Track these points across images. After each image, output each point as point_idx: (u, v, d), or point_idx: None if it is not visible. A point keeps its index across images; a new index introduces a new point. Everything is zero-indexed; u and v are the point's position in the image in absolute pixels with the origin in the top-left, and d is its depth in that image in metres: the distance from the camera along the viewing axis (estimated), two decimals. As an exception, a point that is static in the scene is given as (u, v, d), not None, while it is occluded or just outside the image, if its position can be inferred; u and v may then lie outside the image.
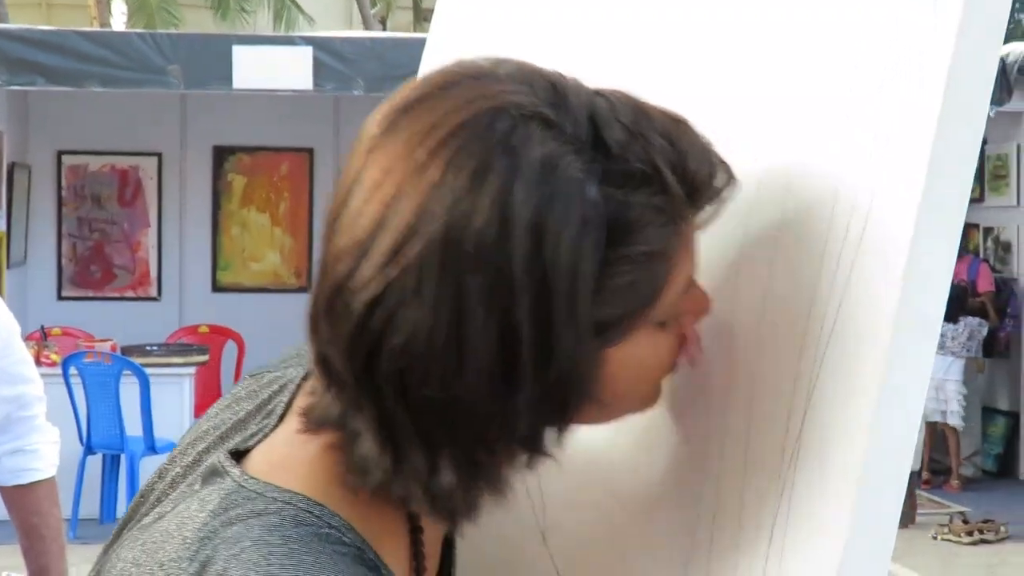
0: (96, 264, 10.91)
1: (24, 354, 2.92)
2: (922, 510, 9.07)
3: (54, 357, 8.35)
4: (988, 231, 10.79)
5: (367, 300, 0.92)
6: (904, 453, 0.96)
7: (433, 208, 0.90)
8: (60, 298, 10.75)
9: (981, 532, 8.62)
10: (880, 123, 0.99)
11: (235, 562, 0.93)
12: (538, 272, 0.91)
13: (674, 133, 0.97)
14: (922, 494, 9.51)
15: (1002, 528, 8.68)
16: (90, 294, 10.82)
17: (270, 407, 1.09)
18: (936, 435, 9.97)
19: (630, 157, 0.94)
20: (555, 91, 0.96)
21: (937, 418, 9.76)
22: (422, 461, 0.95)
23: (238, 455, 1.05)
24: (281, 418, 1.07)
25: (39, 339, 8.65)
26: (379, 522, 1.00)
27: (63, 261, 10.84)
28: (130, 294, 10.92)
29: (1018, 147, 10.39)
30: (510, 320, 0.91)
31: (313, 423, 1.00)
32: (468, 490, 0.97)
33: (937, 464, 9.96)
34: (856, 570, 0.95)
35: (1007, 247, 10.73)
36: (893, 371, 0.95)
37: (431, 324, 0.91)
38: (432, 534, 1.07)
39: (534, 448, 0.97)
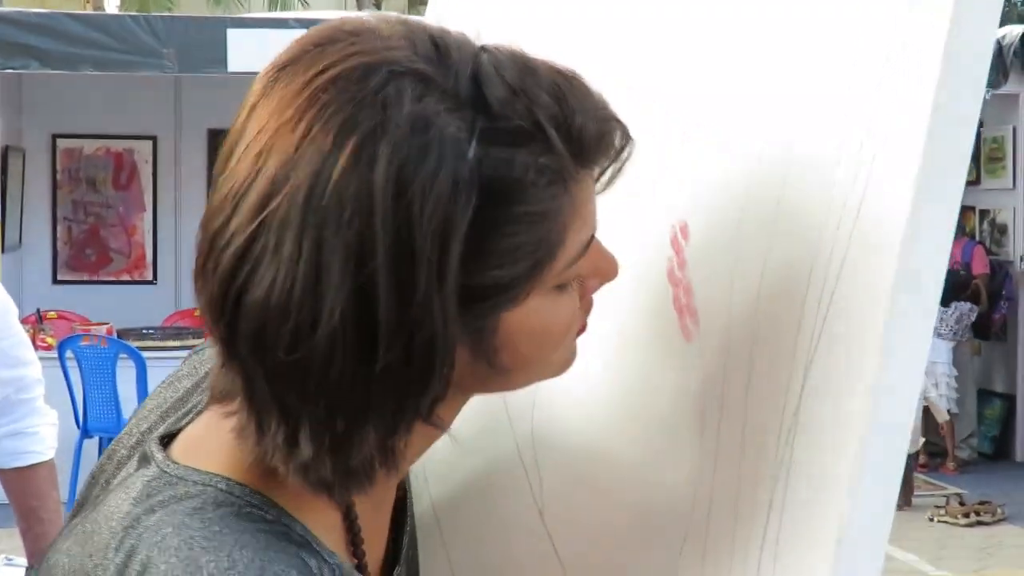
0: (91, 248, 10.90)
1: (22, 336, 2.92)
2: (919, 492, 9.09)
3: (50, 341, 8.35)
4: (984, 213, 10.80)
5: (232, 253, 0.90)
6: (901, 432, 0.97)
7: (297, 163, 0.89)
8: (55, 282, 10.74)
9: (978, 514, 8.64)
10: (877, 109, 0.99)
11: (157, 550, 0.93)
12: (400, 232, 0.88)
13: (562, 90, 0.94)
14: (919, 476, 9.53)
15: (999, 510, 8.71)
16: (85, 278, 10.81)
17: (204, 384, 1.09)
18: (932, 417, 10.00)
19: (511, 114, 0.92)
20: (436, 47, 0.93)
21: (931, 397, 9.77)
22: (281, 431, 0.93)
23: (169, 438, 1.05)
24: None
25: (35, 323, 8.65)
26: (308, 500, 0.98)
27: (58, 245, 10.83)
28: (126, 277, 10.91)
29: (1014, 130, 10.39)
30: (368, 281, 0.88)
31: (216, 397, 0.99)
32: (337, 462, 0.94)
33: (934, 446, 9.98)
34: (853, 553, 0.96)
35: (1003, 230, 10.74)
36: (890, 353, 0.95)
37: (286, 281, 0.88)
38: (376, 514, 1.07)
39: (403, 419, 0.94)
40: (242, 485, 0.98)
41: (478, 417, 1.28)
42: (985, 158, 10.56)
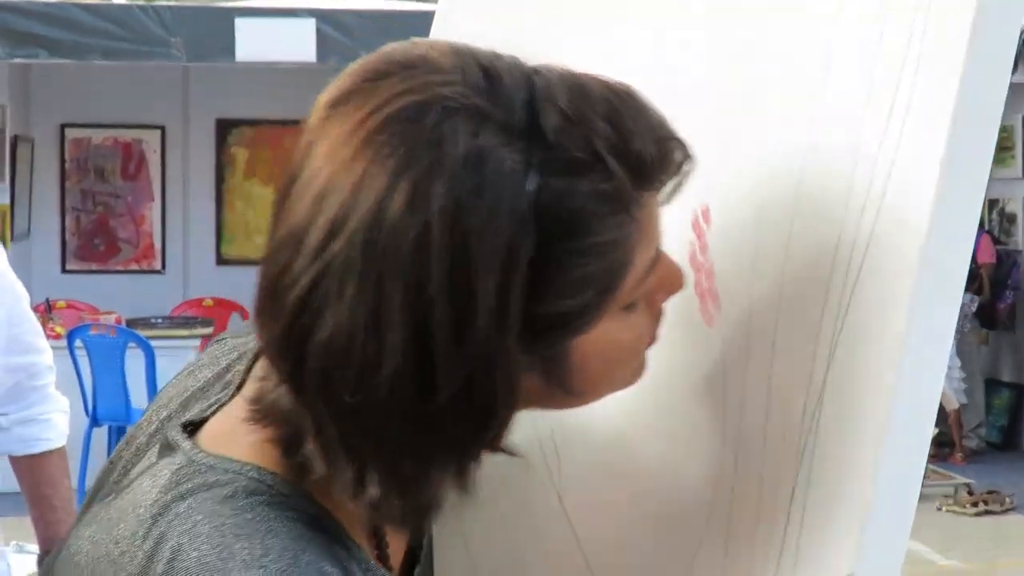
0: (100, 237, 10.91)
1: (34, 323, 2.92)
2: (927, 482, 9.07)
3: (59, 330, 8.36)
4: (993, 203, 10.77)
5: (297, 297, 0.90)
6: (927, 414, 0.96)
7: (355, 206, 0.88)
8: (64, 271, 10.75)
9: (986, 503, 8.63)
10: (901, 88, 0.98)
11: (188, 537, 0.93)
12: (457, 272, 0.88)
13: (618, 112, 0.93)
14: (927, 466, 9.50)
15: (1007, 499, 8.70)
16: (94, 267, 10.82)
17: (228, 376, 1.09)
18: (939, 407, 9.97)
19: (568, 145, 0.91)
20: (487, 76, 0.92)
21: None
22: (350, 474, 0.93)
23: (194, 427, 1.04)
24: (239, 388, 1.06)
25: (44, 312, 8.66)
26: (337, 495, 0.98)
27: (67, 234, 10.83)
28: (134, 267, 10.91)
29: (1023, 119, 10.36)
30: (426, 321, 0.88)
31: (261, 413, 0.98)
32: (406, 502, 0.94)
33: (942, 436, 9.96)
34: (878, 536, 0.95)
35: (1012, 219, 10.71)
36: (913, 334, 0.95)
37: (349, 325, 0.88)
38: None
39: (470, 454, 0.94)
40: (273, 474, 0.98)
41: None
42: (995, 147, 10.51)
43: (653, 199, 0.97)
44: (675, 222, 1.14)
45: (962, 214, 0.96)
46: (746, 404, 1.05)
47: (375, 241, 0.88)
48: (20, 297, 2.87)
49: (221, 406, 1.05)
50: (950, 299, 0.96)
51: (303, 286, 0.90)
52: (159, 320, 9.24)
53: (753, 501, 1.03)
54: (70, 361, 7.92)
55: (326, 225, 0.89)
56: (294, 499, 0.97)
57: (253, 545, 0.92)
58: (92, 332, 8.31)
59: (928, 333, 0.95)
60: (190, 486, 0.97)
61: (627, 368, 1.03)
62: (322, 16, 8.48)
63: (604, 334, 0.96)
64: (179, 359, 8.42)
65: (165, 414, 1.10)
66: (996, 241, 10.60)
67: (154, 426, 1.10)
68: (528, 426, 1.25)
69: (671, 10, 1.19)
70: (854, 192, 1.00)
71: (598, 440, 1.18)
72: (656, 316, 1.03)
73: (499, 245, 0.88)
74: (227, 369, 1.10)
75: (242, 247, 10.98)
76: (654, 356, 1.15)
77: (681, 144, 0.97)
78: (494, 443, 0.95)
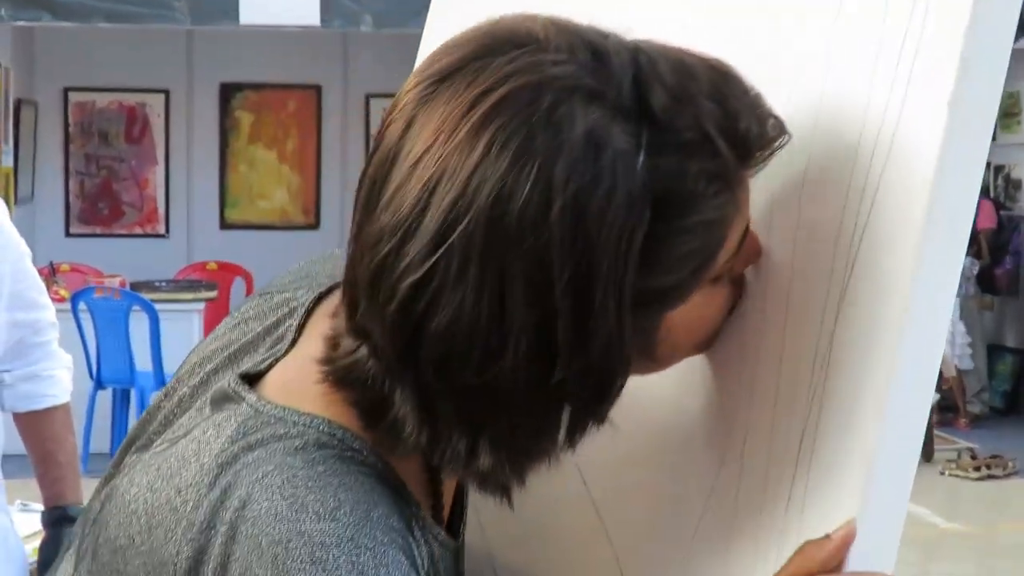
0: (104, 201, 10.91)
1: (37, 280, 2.91)
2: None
3: (63, 293, 8.36)
4: (999, 169, 10.75)
5: (411, 283, 0.90)
6: (931, 359, 0.96)
7: (475, 190, 0.89)
8: (68, 235, 10.76)
9: (989, 468, 8.65)
10: (907, 40, 0.98)
11: (258, 487, 0.93)
12: (580, 254, 0.89)
13: (721, 91, 0.94)
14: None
15: (1010, 463, 8.71)
16: (98, 231, 10.83)
17: (280, 331, 1.08)
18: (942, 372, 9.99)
19: (679, 125, 0.92)
20: (596, 56, 0.92)
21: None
22: (463, 445, 0.94)
23: (249, 379, 1.04)
24: (293, 343, 1.06)
25: (48, 275, 8.66)
26: (399, 453, 1.00)
27: (71, 198, 10.84)
28: (138, 231, 10.92)
29: (1030, 84, 10.33)
30: (550, 301, 0.90)
31: (337, 376, 0.99)
32: (515, 468, 0.96)
33: (945, 401, 9.97)
34: (883, 485, 0.95)
35: (1017, 185, 10.70)
36: (920, 283, 0.94)
37: (472, 308, 0.89)
38: (449, 472, 1.06)
39: (580, 422, 0.96)
40: (343, 428, 0.98)
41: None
42: (1000, 113, 10.49)
43: (748, 175, 0.98)
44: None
45: (970, 154, 0.96)
46: (760, 351, 1.05)
47: (499, 225, 0.89)
48: (23, 254, 2.86)
49: (277, 360, 1.05)
50: (956, 244, 0.96)
51: (420, 271, 0.90)
52: (163, 283, 9.24)
53: (764, 446, 1.03)
54: (74, 324, 7.92)
55: (444, 210, 0.89)
56: (363, 454, 0.97)
57: (326, 497, 0.92)
58: (96, 295, 8.32)
59: (934, 279, 0.95)
60: (259, 436, 0.97)
61: (706, 337, 1.04)
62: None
63: (693, 307, 0.98)
64: (183, 322, 8.45)
65: (210, 367, 1.09)
66: (1000, 207, 10.58)
67: (198, 378, 1.09)
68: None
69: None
70: (864, 138, 0.99)
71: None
72: (738, 285, 1.04)
73: (617, 226, 0.89)
74: (277, 324, 1.09)
75: (245, 211, 10.99)
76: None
77: (779, 121, 0.97)
78: (604, 414, 0.97)
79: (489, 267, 0.89)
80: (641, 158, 0.90)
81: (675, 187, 0.92)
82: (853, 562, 0.94)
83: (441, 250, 0.89)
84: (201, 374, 1.09)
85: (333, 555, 0.90)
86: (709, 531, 1.07)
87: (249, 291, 9.91)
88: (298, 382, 1.02)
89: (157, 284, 9.11)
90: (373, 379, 0.96)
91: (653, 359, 0.99)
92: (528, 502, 1.05)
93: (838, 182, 1.01)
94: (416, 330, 0.91)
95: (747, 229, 1.00)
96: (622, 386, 0.95)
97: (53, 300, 3.09)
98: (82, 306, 8.15)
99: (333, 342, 0.99)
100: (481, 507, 1.17)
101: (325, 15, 8.34)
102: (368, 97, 10.80)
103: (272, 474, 0.94)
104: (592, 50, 0.93)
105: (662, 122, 0.91)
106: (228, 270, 10.26)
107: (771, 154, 0.97)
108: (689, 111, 0.92)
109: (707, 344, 1.05)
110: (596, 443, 1.15)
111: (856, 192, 0.99)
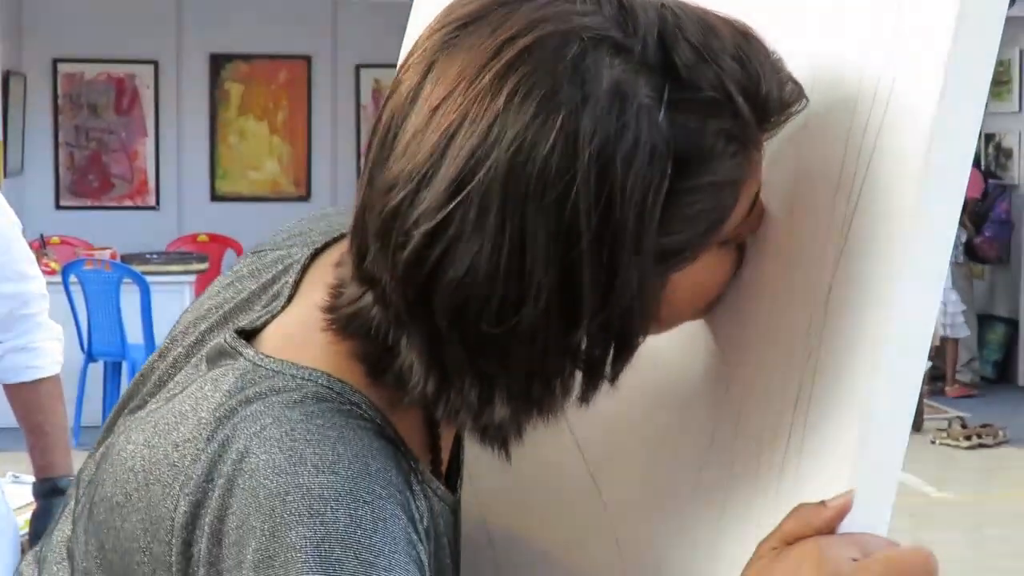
0: (94, 173, 10.87)
1: (26, 252, 2.90)
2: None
3: (53, 265, 8.34)
4: (989, 137, 10.75)
5: (426, 231, 0.89)
6: (926, 320, 0.96)
7: (498, 138, 0.88)
8: (58, 207, 10.72)
9: (979, 437, 8.67)
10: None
11: (257, 440, 0.93)
12: (603, 205, 0.88)
13: (744, 53, 0.93)
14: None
15: (1000, 433, 8.73)
16: (88, 203, 10.79)
17: (276, 288, 1.08)
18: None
19: (702, 83, 0.91)
20: (623, 9, 0.92)
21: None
22: (475, 394, 0.94)
23: (246, 335, 1.03)
24: (289, 299, 1.05)
25: (38, 248, 8.63)
26: (399, 408, 1.00)
27: (61, 170, 10.79)
28: (128, 203, 10.88)
29: (1020, 52, 10.32)
30: (573, 253, 0.89)
31: (341, 324, 0.98)
32: (521, 421, 0.96)
33: (936, 370, 9.99)
34: (877, 450, 0.95)
35: (1008, 153, 10.69)
36: (915, 241, 0.94)
37: (491, 257, 0.88)
38: (448, 426, 1.06)
39: (596, 377, 0.96)
40: (341, 382, 0.97)
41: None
42: (991, 81, 10.47)
43: (765, 137, 0.97)
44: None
45: (963, 123, 0.95)
46: (755, 315, 1.04)
47: (522, 174, 0.88)
48: (13, 224, 2.85)
49: (273, 316, 1.04)
50: (952, 197, 0.96)
51: (435, 218, 0.89)
52: (154, 256, 9.22)
53: (759, 410, 1.03)
54: (64, 296, 7.90)
55: (464, 157, 0.88)
56: (362, 408, 0.97)
57: (324, 451, 0.92)
58: (87, 267, 8.30)
59: (931, 233, 0.95)
60: (258, 390, 0.96)
61: (709, 301, 1.04)
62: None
63: (699, 269, 0.98)
64: (174, 294, 8.43)
65: (205, 326, 1.09)
66: (991, 176, 10.57)
67: (193, 337, 1.09)
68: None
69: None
70: (863, 89, 0.99)
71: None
72: (742, 250, 1.04)
73: (642, 179, 0.89)
74: (273, 281, 1.09)
75: (236, 183, 10.96)
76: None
77: (798, 86, 0.97)
78: (619, 372, 0.96)
79: (510, 216, 0.88)
80: (663, 113, 0.90)
81: (694, 144, 0.91)
82: (846, 528, 0.93)
83: (458, 198, 0.88)
84: (196, 333, 1.09)
85: (331, 508, 0.90)
86: (704, 493, 1.06)
87: (240, 263, 9.90)
88: (297, 337, 1.01)
89: (148, 256, 9.09)
90: (377, 328, 0.95)
91: (657, 320, 0.97)
92: (522, 463, 1.05)
93: (836, 138, 1.00)
94: (430, 278, 0.90)
95: (758, 194, 1.00)
96: (640, 343, 0.95)
97: (43, 273, 3.08)
98: (73, 279, 8.13)
99: (337, 290, 0.99)
100: (473, 466, 1.17)
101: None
102: (358, 68, 10.76)
103: (270, 427, 0.93)
104: (619, 2, 0.92)
105: (685, 79, 0.91)
106: (219, 242, 10.24)
107: (787, 119, 0.97)
108: (712, 70, 0.91)
109: (708, 308, 1.05)
110: (594, 420, 1.15)
111: (854, 147, 0.99)
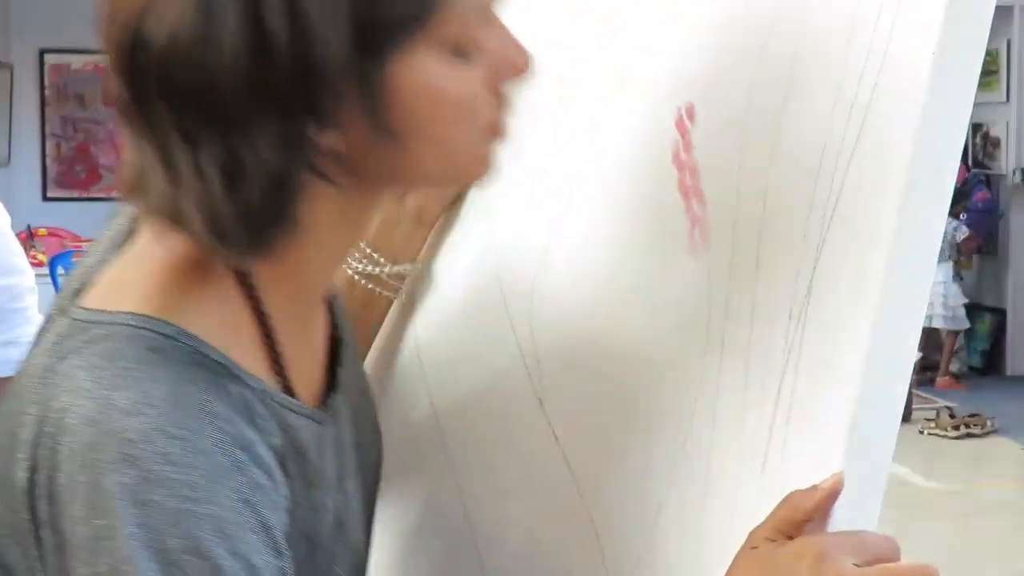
0: (81, 165, 10.83)
1: (14, 245, 2.88)
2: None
3: (41, 257, 8.32)
4: (977, 127, 10.75)
5: (132, 12, 0.91)
6: (917, 308, 0.95)
7: None
8: (45, 199, 10.68)
9: (967, 426, 8.68)
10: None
11: (71, 395, 0.93)
12: None
13: None
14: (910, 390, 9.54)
15: (988, 422, 8.74)
16: (76, 195, 10.75)
17: (111, 234, 1.08)
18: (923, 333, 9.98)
19: None
20: None
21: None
22: (187, 160, 0.92)
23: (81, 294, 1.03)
24: (118, 247, 1.05)
25: (26, 239, 8.61)
26: (225, 323, 0.99)
27: (48, 162, 10.75)
28: (116, 195, 10.83)
29: (1008, 43, 10.33)
30: (262, 10, 0.89)
31: (129, 191, 0.98)
32: (244, 206, 0.93)
33: (926, 360, 10.00)
34: (866, 440, 0.94)
35: (996, 143, 10.69)
36: (905, 228, 0.93)
37: (187, 23, 0.89)
38: (303, 335, 1.06)
39: (292, 145, 0.93)
40: (153, 319, 0.96)
41: (479, 314, 1.26)
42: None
43: None
44: (657, 119, 1.12)
45: (957, 92, 0.94)
46: (731, 306, 1.03)
47: None
48: (2, 217, 2.83)
49: (105, 264, 1.04)
50: (940, 194, 0.95)
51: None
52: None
53: (738, 400, 1.02)
54: (52, 288, 7.88)
55: None
56: (177, 340, 0.95)
57: (132, 393, 0.91)
58: (75, 259, 8.26)
59: (918, 228, 0.93)
60: (71, 344, 0.96)
61: (458, 130, 0.99)
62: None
63: (426, 70, 0.95)
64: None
65: (64, 297, 1.07)
66: (978, 165, 10.57)
67: (55, 309, 1.07)
68: (508, 334, 1.24)
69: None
70: (847, 74, 0.97)
71: (577, 341, 1.17)
72: (494, 92, 1.00)
73: None
74: (116, 237, 1.08)
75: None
76: (637, 256, 1.13)
77: None
78: (318, 157, 0.94)
79: None
80: None
81: None
82: (836, 516, 0.93)
83: None
84: (56, 307, 1.07)
85: (141, 450, 0.90)
86: (683, 486, 1.06)
87: (228, 254, 9.87)
88: (114, 280, 1.01)
89: (135, 247, 9.06)
90: (146, 174, 0.96)
91: (390, 131, 0.95)
92: (501, 458, 1.04)
93: (818, 121, 0.99)
94: (141, 48, 0.91)
95: (494, 19, 0.98)
96: (336, 88, 0.92)
97: (32, 265, 3.06)
98: (60, 270, 8.11)
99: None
100: (461, 471, 1.16)
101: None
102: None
103: (83, 380, 0.93)
104: None
105: None
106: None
107: None
108: None
109: (465, 161, 1.02)
110: (568, 398, 1.14)
111: (842, 116, 0.97)
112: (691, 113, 1.09)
